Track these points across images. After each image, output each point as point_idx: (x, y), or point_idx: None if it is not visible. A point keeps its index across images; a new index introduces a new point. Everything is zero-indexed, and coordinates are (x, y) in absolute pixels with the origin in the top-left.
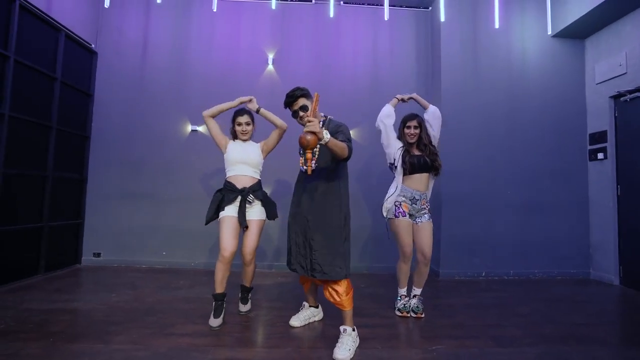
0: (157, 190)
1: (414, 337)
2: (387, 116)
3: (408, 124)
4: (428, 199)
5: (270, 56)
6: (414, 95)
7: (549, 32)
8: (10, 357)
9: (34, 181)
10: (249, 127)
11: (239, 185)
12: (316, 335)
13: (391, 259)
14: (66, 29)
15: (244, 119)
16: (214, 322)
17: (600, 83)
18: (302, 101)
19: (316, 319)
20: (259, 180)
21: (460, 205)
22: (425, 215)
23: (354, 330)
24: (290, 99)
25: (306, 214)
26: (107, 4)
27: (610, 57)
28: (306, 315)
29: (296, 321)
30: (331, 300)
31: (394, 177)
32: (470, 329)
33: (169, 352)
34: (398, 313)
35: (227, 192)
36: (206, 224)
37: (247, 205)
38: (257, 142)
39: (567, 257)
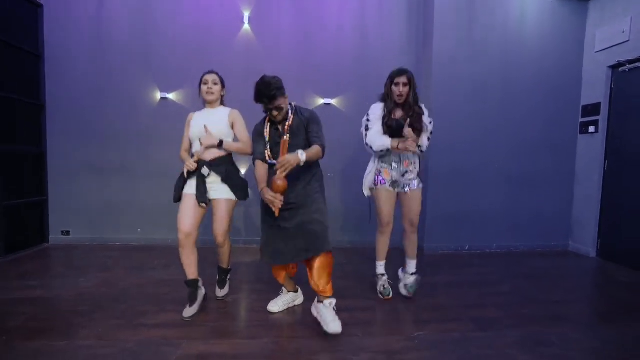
0: (128, 163)
1: (395, 323)
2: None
3: (396, 81)
4: (413, 160)
5: (246, 14)
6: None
7: None
8: None
9: None
10: (216, 87)
11: (201, 159)
12: (296, 322)
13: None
14: None
15: (210, 77)
16: (187, 311)
17: (599, 51)
18: (279, 101)
19: (296, 303)
20: (226, 156)
21: (446, 179)
22: (414, 181)
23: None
24: (268, 100)
25: (291, 202)
26: None
27: (613, 23)
28: (285, 300)
29: (275, 306)
30: (316, 286)
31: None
32: (452, 311)
33: (136, 347)
34: (380, 296)
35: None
36: (174, 202)
37: (206, 181)
38: (229, 110)
39: (549, 229)
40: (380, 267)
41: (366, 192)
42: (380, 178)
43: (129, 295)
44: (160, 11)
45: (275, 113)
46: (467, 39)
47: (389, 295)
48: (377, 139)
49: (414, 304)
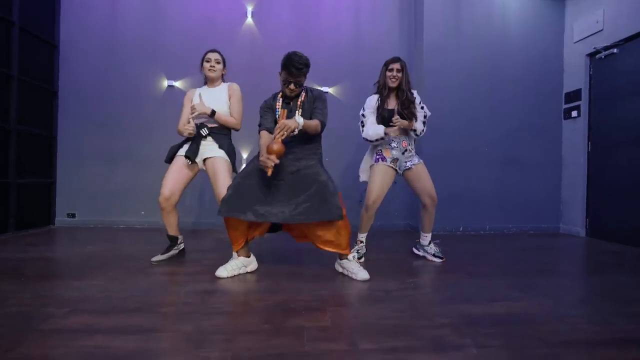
0: (134, 149)
1: (390, 273)
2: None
3: (390, 67)
4: (409, 142)
5: (250, 8)
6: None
7: None
8: None
9: None
10: (219, 65)
11: (199, 122)
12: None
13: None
14: None
15: (213, 55)
16: (156, 257)
17: (577, 42)
18: (302, 76)
19: (248, 269)
20: (228, 130)
21: (440, 162)
22: (414, 158)
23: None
24: (299, 71)
25: (291, 168)
26: None
27: (588, 15)
28: (236, 265)
29: (223, 271)
30: (329, 247)
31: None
32: (447, 267)
33: (147, 286)
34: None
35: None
36: (165, 161)
37: (202, 142)
38: (228, 84)
39: (540, 212)
40: (362, 236)
41: (362, 177)
42: (381, 155)
43: (137, 256)
44: (170, 4)
45: (292, 87)
46: (455, 31)
47: (361, 257)
48: (372, 129)
49: (409, 263)
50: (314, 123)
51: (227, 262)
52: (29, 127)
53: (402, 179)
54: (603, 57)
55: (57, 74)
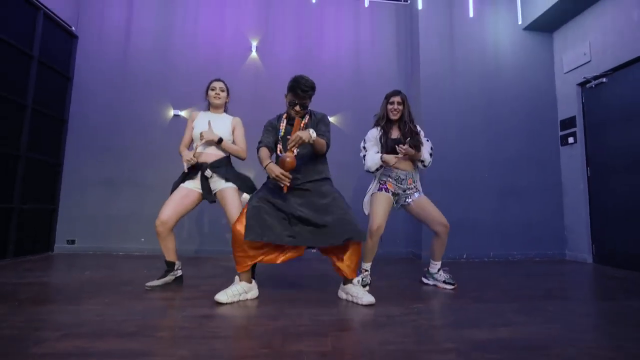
0: (137, 177)
1: (393, 299)
2: (376, 166)
3: (392, 100)
4: (416, 179)
5: (254, 44)
6: (407, 152)
7: (520, 23)
8: None
9: (6, 160)
10: (223, 94)
11: (202, 161)
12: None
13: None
14: (45, 7)
15: (218, 84)
16: (151, 282)
17: (568, 72)
18: (308, 98)
19: (249, 296)
20: (226, 157)
21: (441, 191)
22: (415, 193)
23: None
24: (305, 93)
25: (307, 188)
26: None
27: (575, 48)
28: (236, 291)
29: (223, 296)
30: (347, 269)
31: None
32: (451, 293)
33: (144, 310)
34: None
35: (190, 169)
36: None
37: (209, 181)
38: (232, 117)
39: (543, 238)
40: (366, 265)
41: (366, 210)
42: (385, 187)
43: (135, 282)
44: (179, 39)
45: (298, 108)
46: (450, 67)
47: (365, 285)
48: (371, 159)
49: (413, 288)
50: (322, 141)
51: (227, 287)
52: (37, 154)
53: (401, 210)
54: (593, 86)
55: (69, 104)
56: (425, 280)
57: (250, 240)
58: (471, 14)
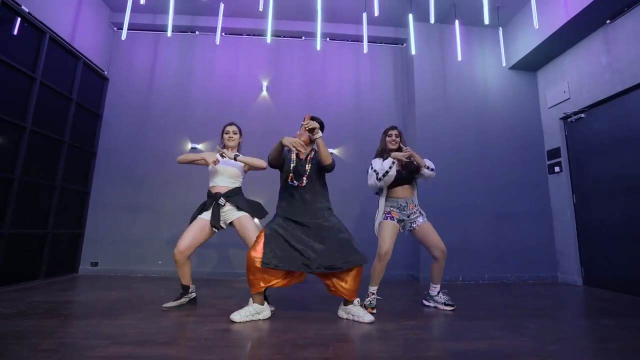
0: (156, 203)
1: (390, 316)
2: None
3: (389, 133)
4: (416, 202)
5: (265, 84)
6: (412, 152)
7: (504, 64)
8: (30, 328)
9: (44, 190)
10: (236, 136)
11: (214, 192)
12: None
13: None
14: (84, 57)
15: (232, 127)
16: (167, 303)
17: (551, 107)
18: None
19: (261, 317)
20: (237, 188)
21: (437, 216)
22: (419, 218)
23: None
24: (321, 126)
25: (311, 220)
26: (124, 36)
27: (556, 86)
28: (249, 312)
29: (237, 316)
30: (348, 292)
31: (378, 201)
32: (443, 312)
33: (172, 325)
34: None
35: (207, 200)
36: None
37: (221, 210)
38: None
39: (536, 261)
40: (373, 289)
41: (377, 234)
42: (390, 215)
43: (157, 301)
44: (198, 80)
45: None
46: (443, 103)
47: (374, 308)
48: (380, 164)
49: (408, 308)
50: (326, 151)
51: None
52: (70, 184)
53: (409, 234)
54: (574, 120)
55: (98, 138)
56: (426, 303)
57: (268, 266)
58: (459, 58)
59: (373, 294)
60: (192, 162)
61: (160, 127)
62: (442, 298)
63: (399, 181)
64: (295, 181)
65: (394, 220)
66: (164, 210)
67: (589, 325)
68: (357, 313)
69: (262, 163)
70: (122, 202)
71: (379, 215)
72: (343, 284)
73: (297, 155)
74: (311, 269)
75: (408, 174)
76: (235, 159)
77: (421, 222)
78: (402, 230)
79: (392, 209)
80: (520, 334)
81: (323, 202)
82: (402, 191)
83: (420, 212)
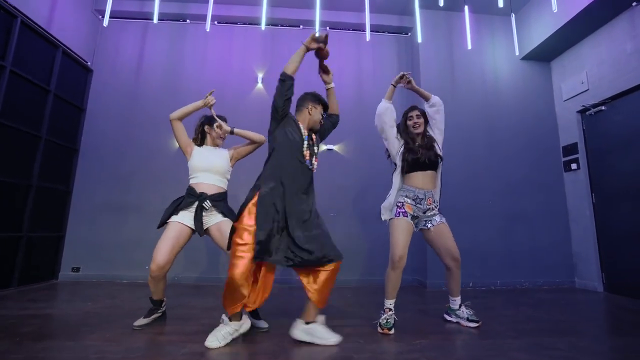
0: (144, 204)
1: (398, 334)
2: (385, 110)
3: (410, 115)
4: (436, 199)
5: (260, 76)
6: (412, 82)
7: (517, 54)
8: None
9: (17, 190)
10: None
11: (199, 191)
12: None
13: (380, 271)
14: (64, 45)
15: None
16: (138, 321)
17: (567, 100)
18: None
19: (241, 331)
20: (225, 192)
21: (447, 218)
22: (436, 217)
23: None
24: (323, 108)
25: (302, 211)
26: (105, 22)
27: (573, 77)
28: (227, 332)
29: (214, 341)
30: (319, 295)
31: (392, 178)
32: (455, 326)
33: (144, 346)
34: (379, 329)
35: (186, 197)
36: (158, 227)
37: (203, 213)
38: (226, 148)
39: (551, 266)
40: (389, 304)
41: (385, 216)
42: (402, 210)
43: (137, 314)
44: (188, 70)
45: (322, 121)
46: (451, 96)
47: (390, 328)
48: (378, 108)
49: (417, 322)
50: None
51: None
52: (48, 183)
53: (419, 233)
54: (593, 113)
55: (81, 134)
56: (448, 318)
57: (264, 261)
58: (469, 46)
59: (390, 309)
60: (189, 115)
61: (149, 122)
62: (464, 313)
63: (418, 165)
64: (309, 160)
65: (407, 217)
66: (152, 211)
67: (628, 345)
68: (321, 334)
69: (262, 138)
70: (107, 202)
71: (389, 204)
72: (312, 283)
73: (309, 135)
74: (290, 263)
75: (427, 160)
76: (232, 132)
77: (438, 222)
78: (415, 229)
79: (405, 199)
80: (550, 357)
81: (312, 193)
82: (422, 178)
83: (438, 210)
